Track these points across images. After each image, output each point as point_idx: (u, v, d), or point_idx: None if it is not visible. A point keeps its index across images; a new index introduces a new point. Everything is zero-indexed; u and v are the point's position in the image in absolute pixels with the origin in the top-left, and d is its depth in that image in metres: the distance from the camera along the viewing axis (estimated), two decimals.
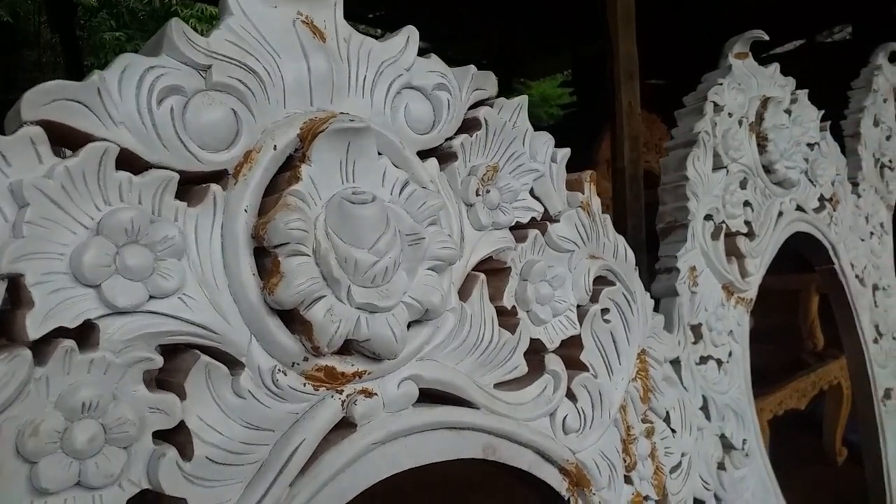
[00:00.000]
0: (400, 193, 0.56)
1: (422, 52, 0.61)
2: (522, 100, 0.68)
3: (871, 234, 1.67)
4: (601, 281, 0.75)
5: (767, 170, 1.24)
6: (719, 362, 1.13)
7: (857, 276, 1.41)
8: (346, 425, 0.55)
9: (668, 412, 0.81)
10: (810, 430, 2.80)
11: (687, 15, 4.11)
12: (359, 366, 0.55)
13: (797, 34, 5.13)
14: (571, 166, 0.72)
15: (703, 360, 1.11)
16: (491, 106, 0.66)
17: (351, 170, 0.54)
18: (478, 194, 0.63)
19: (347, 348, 0.55)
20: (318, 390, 0.53)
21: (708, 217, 1.14)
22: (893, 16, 3.70)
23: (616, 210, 2.01)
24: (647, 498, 0.76)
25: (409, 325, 0.57)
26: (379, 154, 0.56)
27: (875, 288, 1.47)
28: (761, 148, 1.23)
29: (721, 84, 1.18)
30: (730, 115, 1.19)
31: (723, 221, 1.16)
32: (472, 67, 0.64)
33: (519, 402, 0.65)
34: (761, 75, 1.26)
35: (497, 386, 0.65)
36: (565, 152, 0.71)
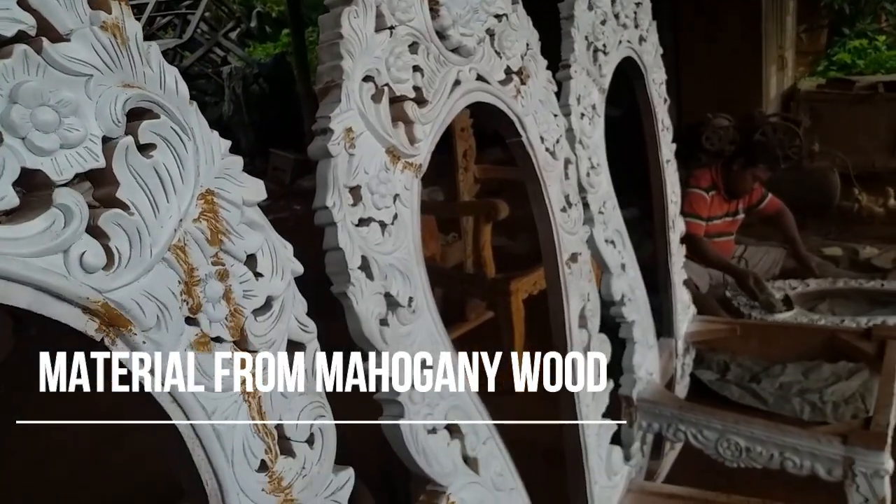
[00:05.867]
0: None
1: None
2: None
3: (583, 115, 1.77)
4: (148, 115, 0.70)
5: (441, 35, 1.24)
6: (383, 224, 1.14)
7: (547, 150, 1.49)
8: None
9: (253, 255, 0.80)
10: None
11: None
12: None
13: None
14: None
15: (364, 221, 1.11)
16: None
17: None
18: None
19: None
20: None
21: (368, 79, 1.12)
22: None
23: None
24: (218, 339, 0.75)
25: None
26: None
27: (567, 162, 1.57)
28: (434, 12, 1.22)
29: None
30: None
31: (386, 84, 1.14)
32: None
33: (13, 237, 0.60)
34: None
35: None
36: None
